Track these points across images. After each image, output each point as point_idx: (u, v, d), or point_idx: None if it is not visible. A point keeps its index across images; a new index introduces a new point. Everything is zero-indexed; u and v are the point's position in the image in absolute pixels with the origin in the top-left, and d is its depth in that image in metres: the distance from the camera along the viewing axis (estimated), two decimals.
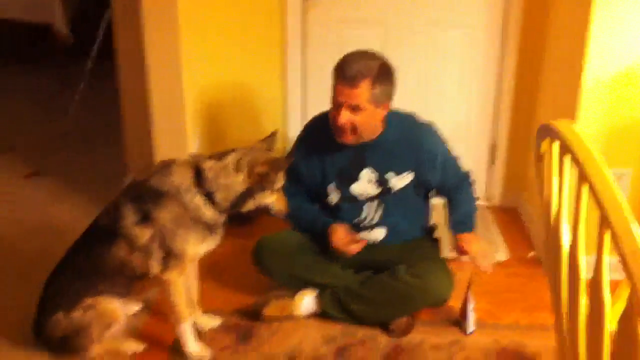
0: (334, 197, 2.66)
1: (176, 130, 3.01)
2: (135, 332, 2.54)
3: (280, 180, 2.36)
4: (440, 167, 2.61)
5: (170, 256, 2.30)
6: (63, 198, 3.63)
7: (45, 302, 2.39)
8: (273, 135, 2.46)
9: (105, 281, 2.35)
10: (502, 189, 3.59)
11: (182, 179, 2.28)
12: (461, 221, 2.66)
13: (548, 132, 1.55)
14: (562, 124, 1.48)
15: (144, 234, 2.27)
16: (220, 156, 2.32)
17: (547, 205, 1.61)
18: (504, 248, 3.19)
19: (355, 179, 2.60)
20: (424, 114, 3.31)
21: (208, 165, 2.28)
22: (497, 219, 3.46)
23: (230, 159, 2.29)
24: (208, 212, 2.29)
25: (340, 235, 2.60)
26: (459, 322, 2.61)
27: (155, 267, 2.31)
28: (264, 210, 2.41)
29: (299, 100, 3.49)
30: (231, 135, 3.52)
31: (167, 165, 2.33)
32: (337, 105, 2.44)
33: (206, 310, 2.62)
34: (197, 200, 2.27)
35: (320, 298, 2.63)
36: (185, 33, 2.86)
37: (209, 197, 2.27)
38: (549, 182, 1.58)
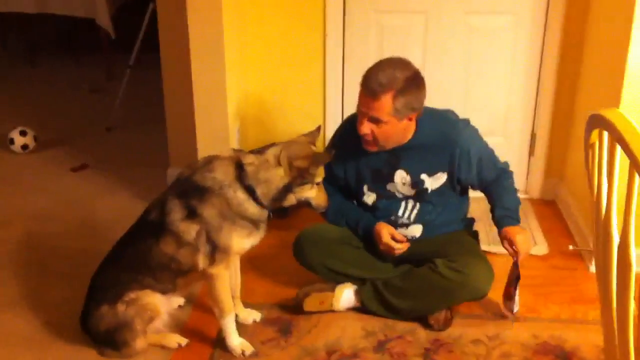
0: (369, 197, 2.68)
1: (218, 126, 3.07)
2: (179, 326, 2.61)
3: (320, 175, 2.38)
4: (476, 164, 2.59)
5: (216, 250, 2.34)
6: (109, 191, 3.72)
7: (91, 296, 2.47)
8: (317, 129, 2.48)
9: (151, 276, 2.41)
10: (542, 180, 3.56)
11: (224, 174, 2.31)
12: (506, 215, 2.62)
13: (598, 122, 1.52)
14: (613, 113, 1.45)
15: (190, 230, 2.32)
16: (260, 150, 2.35)
17: (597, 197, 1.59)
18: (543, 241, 3.17)
19: (389, 180, 2.62)
20: (464, 104, 3.34)
21: (249, 160, 2.31)
22: (537, 211, 3.44)
23: (270, 153, 2.31)
24: (251, 207, 2.32)
25: (385, 236, 2.62)
26: (504, 302, 2.62)
27: (202, 261, 2.36)
28: (304, 204, 2.43)
29: (338, 92, 3.51)
30: (271, 127, 3.56)
31: (210, 161, 2.37)
32: (360, 115, 2.46)
33: (247, 304, 2.68)
34: (240, 195, 2.30)
35: (359, 291, 2.66)
36: (227, 23, 2.90)
37: (251, 192, 2.31)
38: (599, 173, 1.57)
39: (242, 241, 2.37)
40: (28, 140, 4.15)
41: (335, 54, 3.44)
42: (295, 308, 2.66)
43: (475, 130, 2.63)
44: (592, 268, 2.91)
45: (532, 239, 3.04)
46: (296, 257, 2.76)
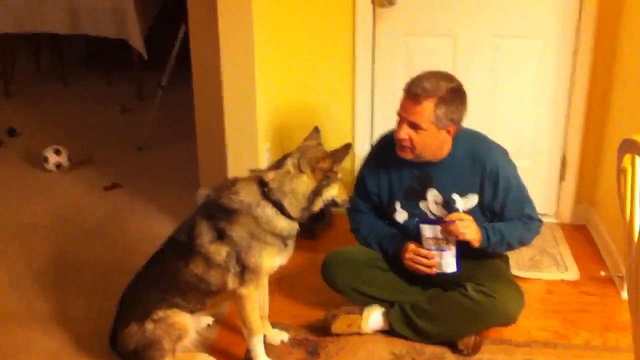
0: (400, 215, 2.67)
1: (249, 145, 3.10)
2: (207, 346, 2.62)
3: (340, 171, 2.40)
4: (503, 191, 2.54)
5: (246, 271, 2.36)
6: (140, 210, 3.76)
7: (121, 314, 2.49)
8: (316, 130, 2.53)
9: (180, 295, 2.43)
10: (572, 205, 3.53)
11: (249, 194, 2.34)
12: (489, 225, 2.53)
13: (631, 147, 1.52)
14: None
15: (220, 252, 2.35)
16: (277, 165, 2.38)
17: (629, 223, 1.58)
18: (574, 267, 3.14)
19: (422, 197, 2.61)
20: (493, 127, 3.33)
21: (270, 177, 2.34)
22: (567, 237, 3.41)
23: (289, 163, 2.34)
24: (280, 222, 2.34)
25: (410, 250, 2.58)
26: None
27: (232, 282, 2.38)
28: (331, 205, 2.44)
29: (368, 113, 3.53)
30: None
31: (233, 183, 2.41)
32: (400, 119, 2.48)
33: (275, 324, 2.69)
34: (269, 211, 2.33)
35: (387, 314, 2.65)
36: (259, 47, 2.94)
37: (278, 206, 2.33)
38: (631, 198, 1.56)
39: (271, 260, 2.39)
40: (62, 159, 4.22)
41: (365, 75, 3.47)
42: (323, 329, 2.66)
43: (508, 158, 2.60)
44: (624, 294, 2.87)
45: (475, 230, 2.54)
46: (324, 279, 2.76)
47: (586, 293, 2.96)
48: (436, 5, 3.34)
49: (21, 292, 2.98)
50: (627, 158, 1.56)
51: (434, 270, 2.54)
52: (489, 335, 2.63)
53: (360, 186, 2.74)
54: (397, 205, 2.67)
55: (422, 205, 2.62)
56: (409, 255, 2.57)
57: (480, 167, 2.53)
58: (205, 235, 2.36)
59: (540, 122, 3.45)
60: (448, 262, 2.51)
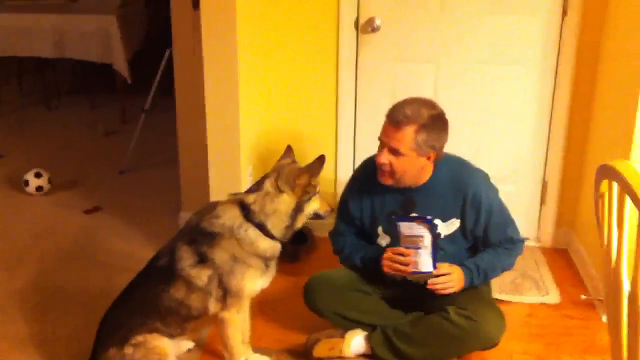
0: (383, 239, 2.68)
1: (231, 169, 3.09)
2: None
3: (318, 184, 2.43)
4: (485, 215, 2.55)
5: (228, 294, 2.36)
6: (120, 234, 3.74)
7: (100, 338, 2.45)
8: (289, 148, 2.55)
9: (160, 320, 2.41)
10: (553, 229, 3.56)
11: (231, 218, 2.35)
12: (474, 266, 2.56)
13: (608, 173, 1.54)
14: (621, 164, 1.48)
15: (202, 275, 2.35)
16: (256, 187, 2.40)
17: (607, 247, 1.59)
18: (555, 290, 3.15)
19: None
20: (475, 152, 3.36)
21: (251, 199, 2.36)
22: (548, 260, 3.42)
23: (267, 184, 2.37)
24: (263, 243, 2.36)
25: (389, 253, 2.56)
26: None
27: (214, 306, 2.38)
28: (315, 218, 2.48)
29: (350, 137, 3.55)
30: None
31: (213, 207, 2.41)
32: (381, 144, 2.50)
33: (257, 349, 2.66)
34: (251, 233, 2.34)
35: (369, 338, 2.64)
36: (243, 72, 2.96)
37: (261, 228, 2.34)
38: (609, 223, 1.58)
39: (254, 282, 2.39)
40: (42, 182, 4.20)
41: (348, 100, 3.49)
42: (305, 354, 2.64)
43: (491, 184, 2.62)
44: (605, 317, 2.88)
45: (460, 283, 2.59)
46: (306, 303, 2.75)
47: (567, 316, 2.97)
48: (419, 32, 3.38)
49: (1, 315, 2.94)
50: (604, 183, 1.59)
51: (410, 269, 2.50)
52: (471, 359, 2.62)
53: (343, 210, 2.75)
54: (380, 230, 2.67)
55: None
56: (386, 254, 2.56)
57: (463, 193, 2.54)
58: (186, 259, 2.36)
59: (522, 146, 3.48)
60: (424, 261, 2.48)
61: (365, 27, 3.36)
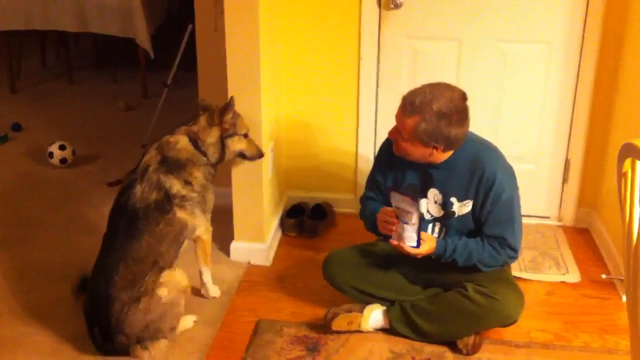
0: None
1: None
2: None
3: (242, 127, 2.79)
4: (490, 206, 2.51)
5: (208, 208, 2.76)
6: None
7: (115, 302, 2.45)
8: (231, 98, 2.78)
9: (165, 255, 2.58)
10: (575, 208, 3.53)
11: (186, 145, 2.68)
12: (453, 245, 2.55)
13: (631, 151, 1.53)
14: None
15: (192, 194, 2.65)
16: (195, 122, 2.76)
17: (628, 226, 1.59)
18: (575, 269, 3.15)
19: (422, 195, 2.62)
20: (498, 130, 3.35)
21: (195, 130, 2.72)
22: (570, 240, 3.41)
23: (202, 119, 2.75)
24: (210, 167, 2.72)
25: (382, 212, 2.59)
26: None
27: (199, 217, 2.69)
28: (242, 157, 2.87)
29: (371, 114, 3.53)
30: (304, 147, 3.60)
31: (167, 140, 2.71)
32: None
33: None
34: (203, 160, 2.70)
35: (388, 313, 2.66)
36: (265, 47, 2.97)
37: (205, 155, 2.70)
38: (631, 202, 1.57)
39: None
40: (66, 154, 4.24)
41: (370, 78, 3.47)
42: (323, 327, 2.67)
43: (512, 177, 2.56)
44: (625, 297, 2.88)
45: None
46: (325, 278, 2.78)
47: (587, 295, 2.97)
48: (442, 9, 3.34)
49: (19, 286, 2.99)
50: (627, 162, 1.57)
51: (395, 240, 2.51)
52: (489, 336, 2.64)
53: (371, 176, 2.80)
54: None
55: (421, 202, 2.62)
56: (379, 213, 2.60)
57: (479, 173, 2.51)
58: (175, 185, 2.60)
59: (544, 125, 3.46)
60: (408, 236, 2.48)
61: (387, 3, 3.33)
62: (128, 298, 2.46)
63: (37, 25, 5.36)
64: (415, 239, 2.48)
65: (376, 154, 2.85)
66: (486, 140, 2.61)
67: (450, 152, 2.52)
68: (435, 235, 2.63)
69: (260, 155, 2.90)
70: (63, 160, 4.23)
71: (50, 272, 3.10)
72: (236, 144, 2.78)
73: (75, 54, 6.36)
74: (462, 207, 2.57)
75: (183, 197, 2.62)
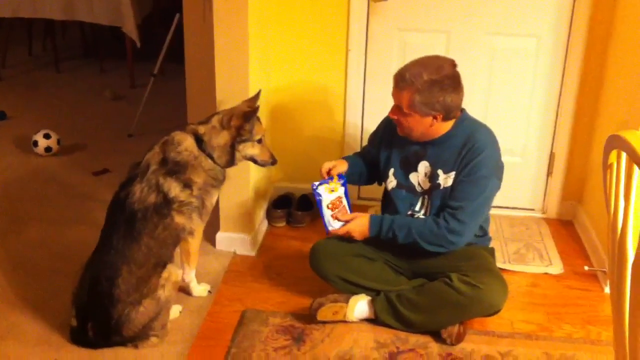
0: (390, 182, 2.75)
1: None
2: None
3: (258, 133, 2.67)
4: (466, 174, 2.56)
5: (204, 211, 2.64)
6: None
7: (119, 302, 2.43)
8: (257, 93, 2.74)
9: (163, 255, 2.55)
10: (559, 200, 3.57)
11: (190, 146, 2.57)
12: (389, 221, 2.63)
13: (617, 143, 1.54)
14: (631, 134, 1.46)
15: (191, 198, 2.55)
16: (207, 120, 2.64)
17: (613, 218, 1.61)
18: (558, 261, 3.17)
19: (414, 169, 2.69)
20: (484, 122, 3.34)
21: (202, 130, 2.60)
22: (553, 232, 3.44)
23: (216, 119, 2.62)
24: (216, 170, 2.62)
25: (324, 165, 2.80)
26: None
27: (196, 223, 2.61)
28: (253, 162, 2.75)
29: (359, 106, 3.55)
30: (291, 136, 3.61)
31: (171, 138, 2.59)
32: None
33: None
34: (209, 163, 2.59)
35: (373, 303, 2.68)
36: (253, 38, 2.96)
37: (211, 158, 2.58)
38: (616, 194, 1.59)
39: (214, 200, 2.72)
40: (51, 143, 4.22)
41: (358, 69, 3.48)
42: (309, 317, 2.68)
43: (499, 169, 2.63)
44: (608, 289, 2.91)
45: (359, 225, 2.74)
46: (312, 267, 2.79)
47: (570, 287, 3.00)
48: (431, 1, 3.35)
49: (8, 277, 2.98)
50: (613, 154, 1.59)
51: (329, 232, 2.73)
52: (473, 326, 2.66)
53: (371, 137, 2.95)
54: (391, 172, 2.75)
55: (412, 176, 2.70)
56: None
57: (470, 145, 2.57)
58: (175, 188, 2.52)
59: (531, 118, 3.48)
60: (325, 220, 2.71)
61: None
62: (131, 300, 2.44)
63: (25, 13, 5.33)
64: (325, 225, 2.70)
65: (375, 129, 2.93)
66: (478, 121, 2.70)
67: (451, 123, 2.59)
68: (425, 208, 2.69)
69: (273, 162, 2.76)
70: (48, 149, 4.22)
71: (37, 264, 3.09)
72: (248, 150, 2.67)
73: (63, 43, 6.33)
74: (447, 179, 2.61)
75: (182, 202, 2.53)
